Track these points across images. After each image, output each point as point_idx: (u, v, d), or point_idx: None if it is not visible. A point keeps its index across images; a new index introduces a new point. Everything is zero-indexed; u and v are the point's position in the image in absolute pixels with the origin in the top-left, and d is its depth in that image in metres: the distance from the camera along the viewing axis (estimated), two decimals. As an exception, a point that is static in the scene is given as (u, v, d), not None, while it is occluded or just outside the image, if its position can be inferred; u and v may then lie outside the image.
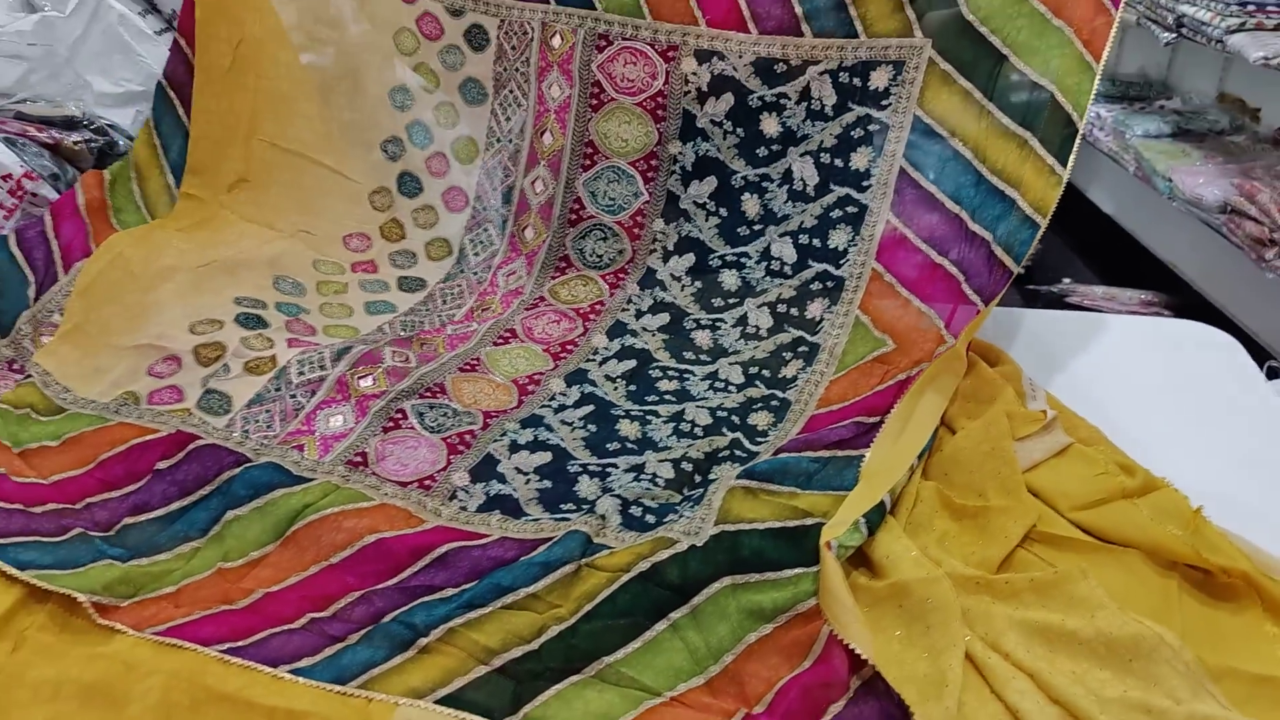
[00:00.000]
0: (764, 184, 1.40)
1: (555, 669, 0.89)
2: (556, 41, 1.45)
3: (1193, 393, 1.28)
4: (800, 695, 0.85)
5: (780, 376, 1.27)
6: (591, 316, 1.41)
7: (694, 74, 1.39)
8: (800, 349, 1.30)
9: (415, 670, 0.89)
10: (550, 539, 0.99)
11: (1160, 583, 0.97)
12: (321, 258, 1.50)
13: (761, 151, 1.39)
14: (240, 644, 0.91)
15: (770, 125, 1.38)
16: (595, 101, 1.44)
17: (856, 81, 1.32)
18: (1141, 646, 0.87)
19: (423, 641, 0.91)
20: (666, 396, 1.25)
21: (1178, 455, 1.09)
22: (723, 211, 1.43)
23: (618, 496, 1.06)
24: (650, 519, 1.03)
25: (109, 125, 2.17)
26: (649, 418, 1.21)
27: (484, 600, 0.93)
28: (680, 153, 1.43)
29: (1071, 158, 1.20)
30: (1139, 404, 1.23)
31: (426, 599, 0.95)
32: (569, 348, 1.35)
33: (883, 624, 0.92)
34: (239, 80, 1.55)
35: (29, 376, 1.19)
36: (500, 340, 1.35)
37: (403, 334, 1.35)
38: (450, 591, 0.95)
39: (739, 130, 1.40)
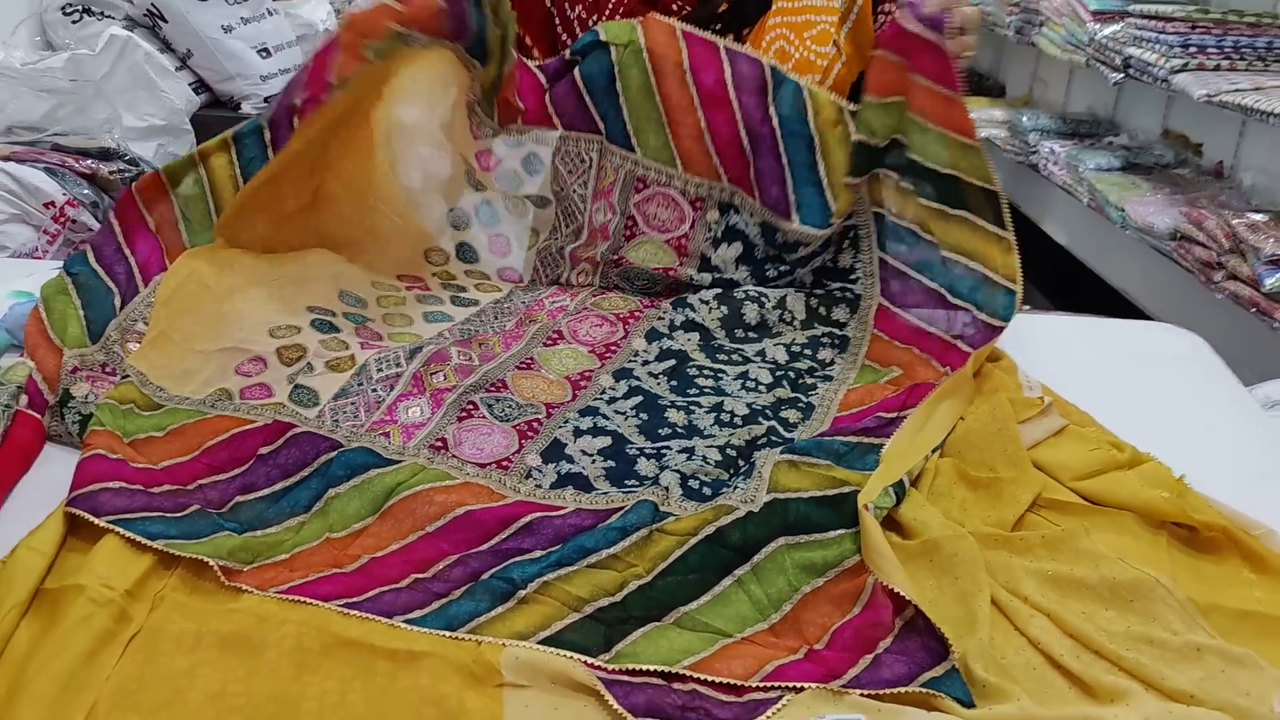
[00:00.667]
0: (763, 297, 1.56)
1: (638, 617, 1.00)
2: (604, 176, 1.61)
3: (1170, 392, 1.41)
4: (853, 634, 0.98)
5: (801, 383, 1.41)
6: (630, 321, 1.54)
7: (715, 222, 1.58)
8: (816, 374, 1.44)
9: (517, 617, 0.99)
10: (621, 508, 1.11)
11: (1152, 539, 1.08)
12: (378, 278, 1.60)
13: (770, 271, 1.57)
14: (356, 599, 1.01)
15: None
16: (629, 233, 1.62)
17: None
18: (1140, 589, 0.99)
19: (521, 594, 1.01)
20: (705, 390, 1.38)
21: (1156, 448, 1.20)
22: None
23: (676, 471, 1.18)
24: (707, 491, 1.15)
25: (138, 157, 2.27)
26: (692, 408, 1.33)
27: (570, 560, 1.04)
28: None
29: (1007, 219, 1.38)
30: (1120, 401, 1.34)
31: (518, 559, 1.05)
32: (612, 349, 1.47)
33: (916, 577, 1.03)
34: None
35: (125, 377, 1.28)
36: (550, 341, 1.47)
37: (461, 338, 1.46)
38: (539, 553, 1.06)
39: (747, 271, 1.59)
